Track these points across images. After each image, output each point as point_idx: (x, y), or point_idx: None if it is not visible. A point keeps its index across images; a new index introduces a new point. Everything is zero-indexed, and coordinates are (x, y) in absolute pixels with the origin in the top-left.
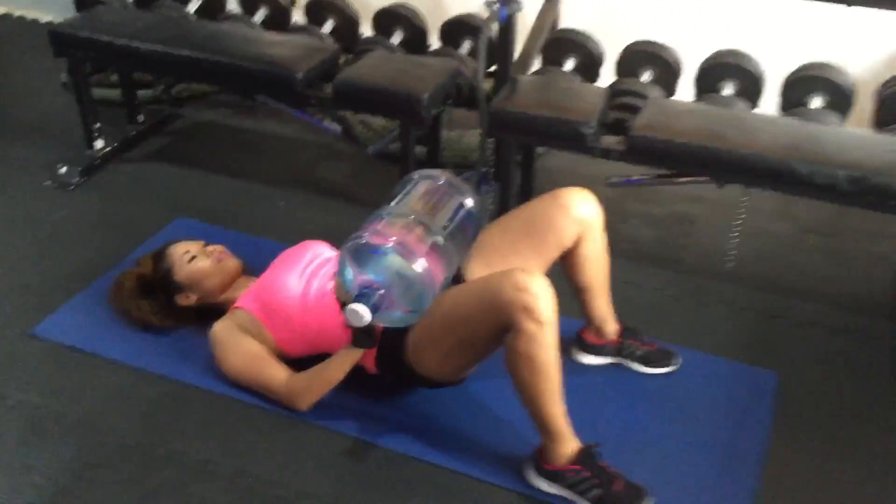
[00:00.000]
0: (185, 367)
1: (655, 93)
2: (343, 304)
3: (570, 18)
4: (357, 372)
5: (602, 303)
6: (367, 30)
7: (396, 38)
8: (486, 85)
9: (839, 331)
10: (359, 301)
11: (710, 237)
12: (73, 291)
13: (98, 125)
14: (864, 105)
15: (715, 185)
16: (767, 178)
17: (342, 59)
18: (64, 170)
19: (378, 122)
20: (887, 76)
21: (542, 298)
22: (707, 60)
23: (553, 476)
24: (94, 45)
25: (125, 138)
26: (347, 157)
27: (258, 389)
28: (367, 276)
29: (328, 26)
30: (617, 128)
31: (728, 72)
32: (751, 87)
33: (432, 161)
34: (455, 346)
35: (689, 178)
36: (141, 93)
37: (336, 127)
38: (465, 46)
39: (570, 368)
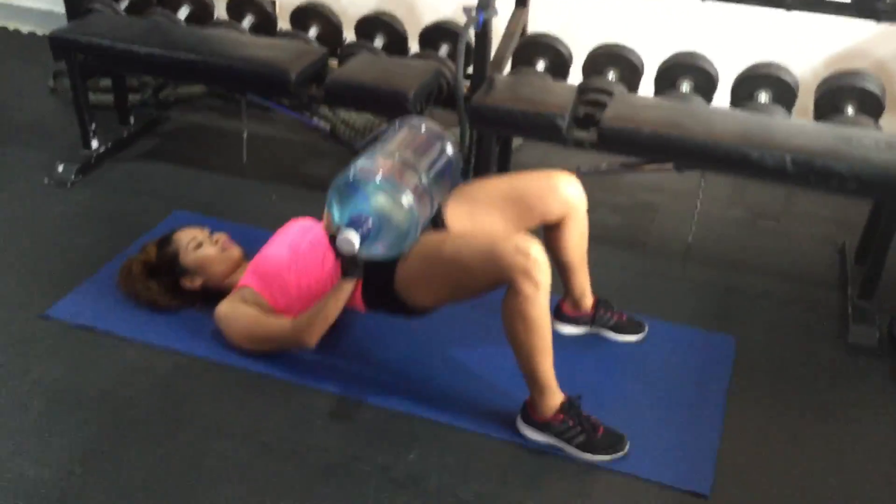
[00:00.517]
0: (195, 342)
1: (620, 90)
2: (333, 238)
3: (537, 24)
4: (354, 319)
5: (582, 278)
6: (349, 36)
7: (378, 43)
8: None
9: (788, 301)
10: (349, 229)
11: (670, 222)
12: (81, 278)
13: (94, 125)
14: (805, 99)
15: (676, 171)
16: (723, 162)
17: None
18: (61, 168)
19: (359, 122)
20: (824, 74)
21: (540, 264)
22: (666, 61)
23: (542, 426)
24: (94, 48)
25: (118, 139)
26: (331, 155)
27: (267, 344)
28: (356, 209)
29: (313, 32)
30: (586, 121)
31: (685, 71)
32: (705, 83)
33: None
34: (447, 288)
35: (653, 167)
36: (129, 97)
37: (325, 125)
38: (443, 50)
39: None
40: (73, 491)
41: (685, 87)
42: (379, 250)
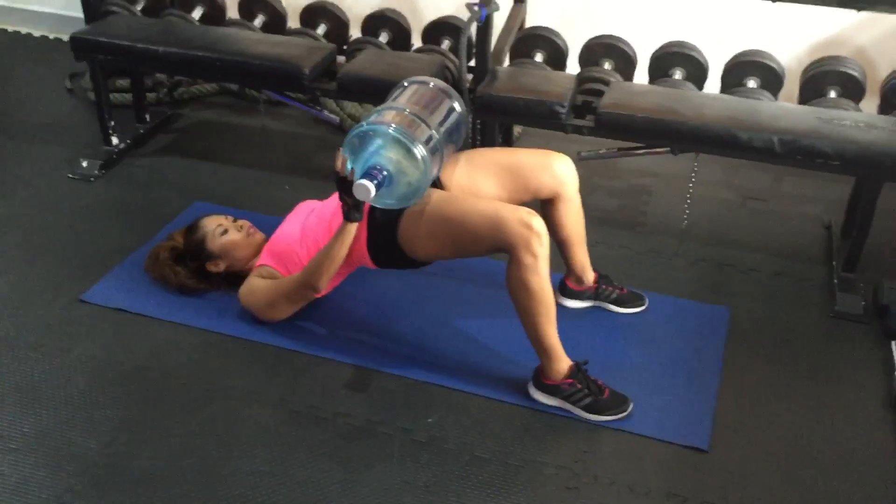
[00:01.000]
0: (223, 321)
1: (616, 79)
2: (343, 179)
3: (534, 18)
4: (372, 296)
5: (581, 254)
6: (355, 32)
7: (383, 39)
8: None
9: (778, 274)
10: (365, 178)
11: (665, 204)
12: (111, 265)
13: (113, 123)
14: (791, 85)
15: (671, 154)
16: (715, 144)
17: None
18: (85, 164)
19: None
20: (808, 61)
21: (541, 236)
22: (658, 50)
23: (551, 389)
24: (115, 49)
25: (137, 135)
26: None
27: (286, 303)
28: (371, 160)
29: (321, 30)
30: (584, 109)
31: (677, 59)
32: (697, 72)
33: None
34: (450, 245)
35: (649, 150)
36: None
37: (334, 117)
38: (445, 44)
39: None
40: (119, 456)
41: (678, 75)
42: (391, 200)
